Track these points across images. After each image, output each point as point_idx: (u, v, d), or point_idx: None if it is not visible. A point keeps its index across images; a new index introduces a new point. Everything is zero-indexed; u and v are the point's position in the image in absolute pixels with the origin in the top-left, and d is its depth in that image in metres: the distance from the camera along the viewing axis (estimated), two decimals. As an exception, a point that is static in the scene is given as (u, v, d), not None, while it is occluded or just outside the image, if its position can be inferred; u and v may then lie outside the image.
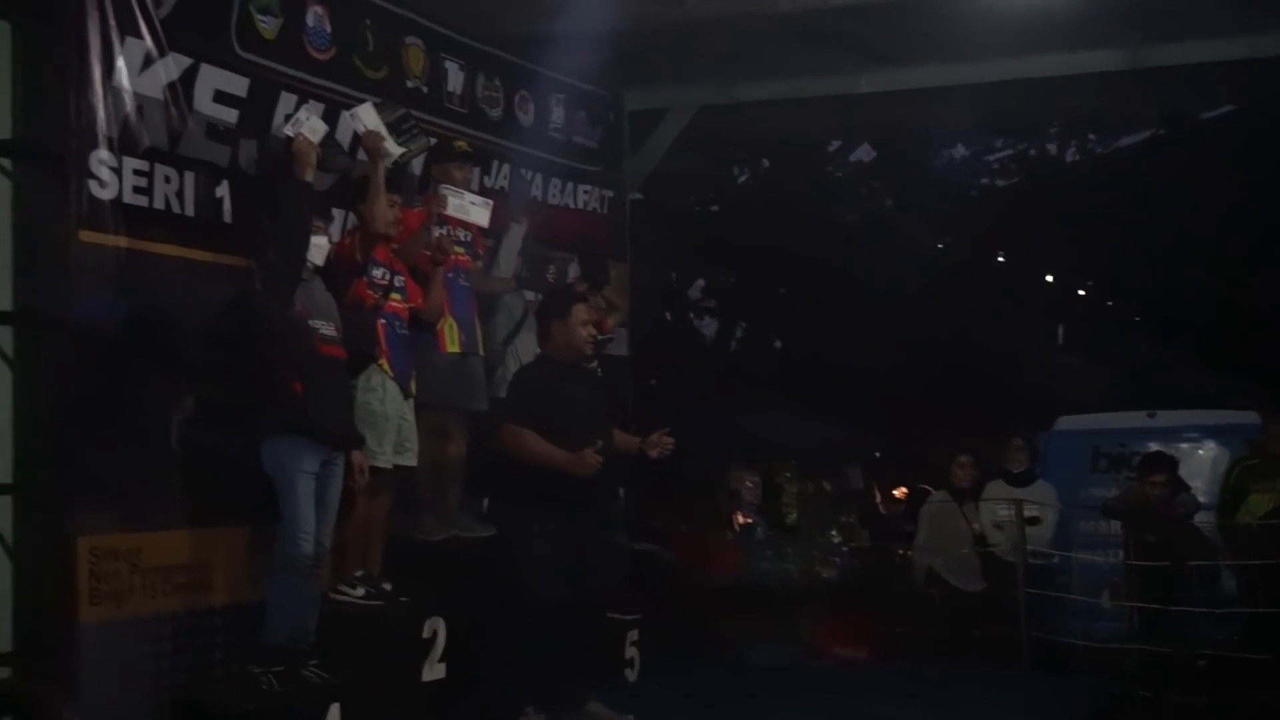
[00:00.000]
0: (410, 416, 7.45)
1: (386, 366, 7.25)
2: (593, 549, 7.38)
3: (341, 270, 7.06)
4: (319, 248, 6.81)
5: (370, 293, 7.23)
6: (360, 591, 7.22)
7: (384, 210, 7.10)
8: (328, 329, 6.75)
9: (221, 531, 6.98)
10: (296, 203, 6.71)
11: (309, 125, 6.88)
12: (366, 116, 7.24)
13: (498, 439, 7.23)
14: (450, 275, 7.82)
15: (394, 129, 7.32)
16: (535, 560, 7.10)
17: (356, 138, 7.46)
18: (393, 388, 7.28)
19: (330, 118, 7.45)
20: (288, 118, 7.10)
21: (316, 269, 6.83)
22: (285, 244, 6.68)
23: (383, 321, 7.30)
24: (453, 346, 7.88)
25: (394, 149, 7.29)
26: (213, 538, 6.94)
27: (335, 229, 7.57)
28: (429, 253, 7.59)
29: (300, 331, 6.62)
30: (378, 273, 7.30)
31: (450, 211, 7.70)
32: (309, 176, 6.74)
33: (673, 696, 8.30)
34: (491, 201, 8.02)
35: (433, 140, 7.78)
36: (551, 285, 8.54)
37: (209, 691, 6.70)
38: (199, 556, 6.85)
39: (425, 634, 7.24)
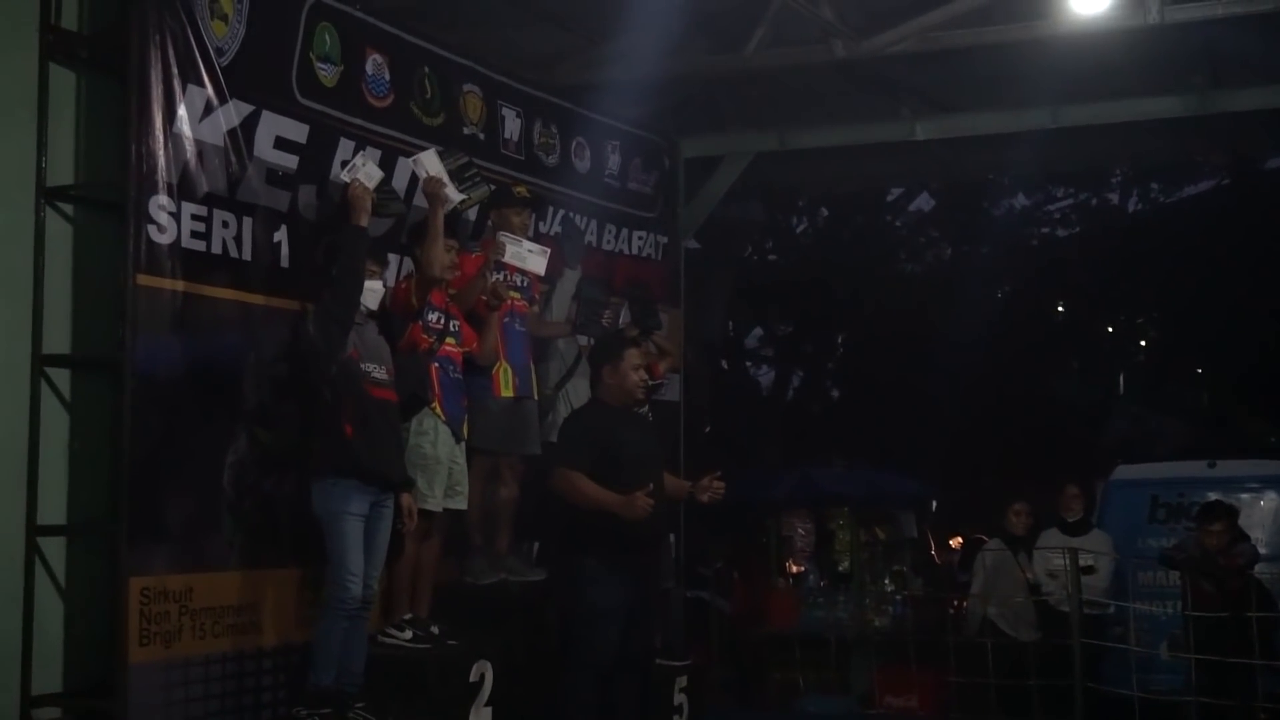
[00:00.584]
0: (462, 460, 7.49)
1: (439, 410, 7.29)
2: (644, 594, 7.38)
3: (397, 314, 7.12)
4: (373, 292, 6.88)
5: (425, 336, 7.28)
6: (408, 634, 7.23)
7: (441, 255, 7.15)
8: (379, 372, 6.80)
9: (271, 573, 7.01)
10: (351, 247, 6.79)
11: (365, 171, 6.96)
12: (429, 163, 7.32)
13: (550, 482, 7.26)
14: (506, 320, 7.88)
15: (455, 176, 7.42)
16: (587, 605, 7.11)
17: (415, 183, 7.54)
18: (444, 431, 7.32)
19: (388, 164, 7.52)
20: (344, 164, 7.18)
21: (370, 313, 6.89)
22: (340, 288, 6.76)
23: (436, 365, 7.35)
24: (507, 391, 7.91)
25: (454, 195, 7.39)
26: (262, 579, 6.96)
27: (390, 274, 7.63)
28: (485, 298, 7.65)
29: (352, 375, 6.67)
30: (433, 317, 7.36)
31: (508, 259, 7.78)
32: (364, 221, 6.83)
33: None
34: (549, 249, 8.08)
35: (492, 187, 7.83)
36: (605, 330, 8.56)
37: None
38: (249, 598, 6.87)
39: (473, 677, 7.22)
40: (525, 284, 8.12)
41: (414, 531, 7.08)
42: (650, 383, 7.60)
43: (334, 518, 6.60)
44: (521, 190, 8.26)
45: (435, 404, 7.29)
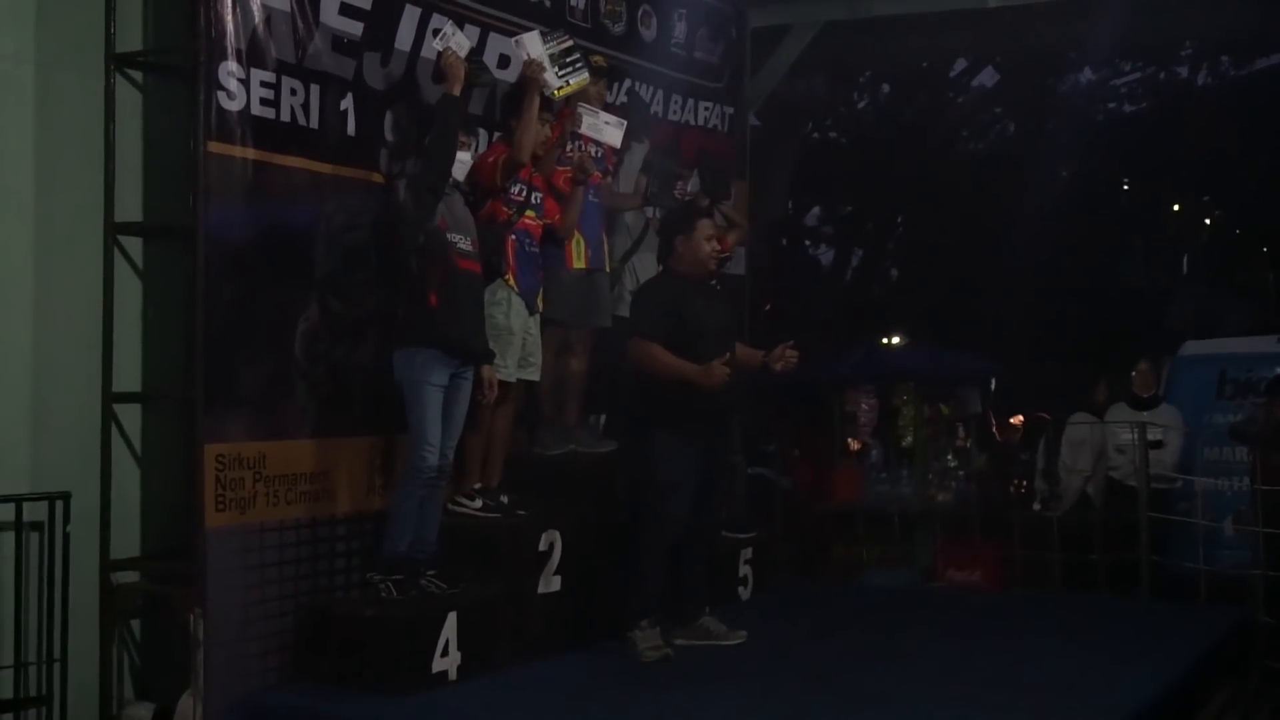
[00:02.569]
0: (535, 331, 7.49)
1: (513, 281, 7.27)
2: (714, 466, 7.41)
3: (482, 186, 7.12)
4: (462, 163, 6.85)
5: (505, 209, 7.27)
6: (478, 504, 7.28)
7: (531, 138, 7.17)
8: (465, 244, 6.79)
9: (344, 441, 7.05)
10: (446, 116, 6.74)
11: (455, 40, 6.90)
12: (531, 45, 7.32)
13: (626, 353, 7.25)
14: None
15: (556, 60, 7.42)
16: (659, 476, 7.14)
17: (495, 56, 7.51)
18: (518, 302, 7.30)
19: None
20: (436, 32, 7.11)
21: (456, 184, 6.88)
22: (433, 156, 6.72)
23: (513, 238, 7.32)
24: (579, 263, 7.91)
25: (554, 81, 7.39)
26: (335, 447, 7.00)
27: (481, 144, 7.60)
28: (570, 170, 7.63)
29: (439, 245, 6.66)
30: (515, 189, 7.34)
31: (584, 130, 7.78)
32: (456, 90, 6.79)
33: (787, 614, 8.31)
34: (625, 121, 8.05)
35: (588, 77, 7.77)
36: (677, 202, 8.51)
37: (332, 598, 6.84)
38: (322, 465, 6.92)
39: (542, 546, 7.28)
40: (600, 155, 8.09)
41: (488, 401, 7.10)
42: (721, 254, 7.54)
43: (415, 386, 6.61)
44: (599, 60, 8.18)
45: (509, 275, 7.27)
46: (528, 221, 7.44)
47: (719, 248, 7.46)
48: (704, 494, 7.32)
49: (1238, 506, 10.43)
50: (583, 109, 7.74)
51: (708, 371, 6.90)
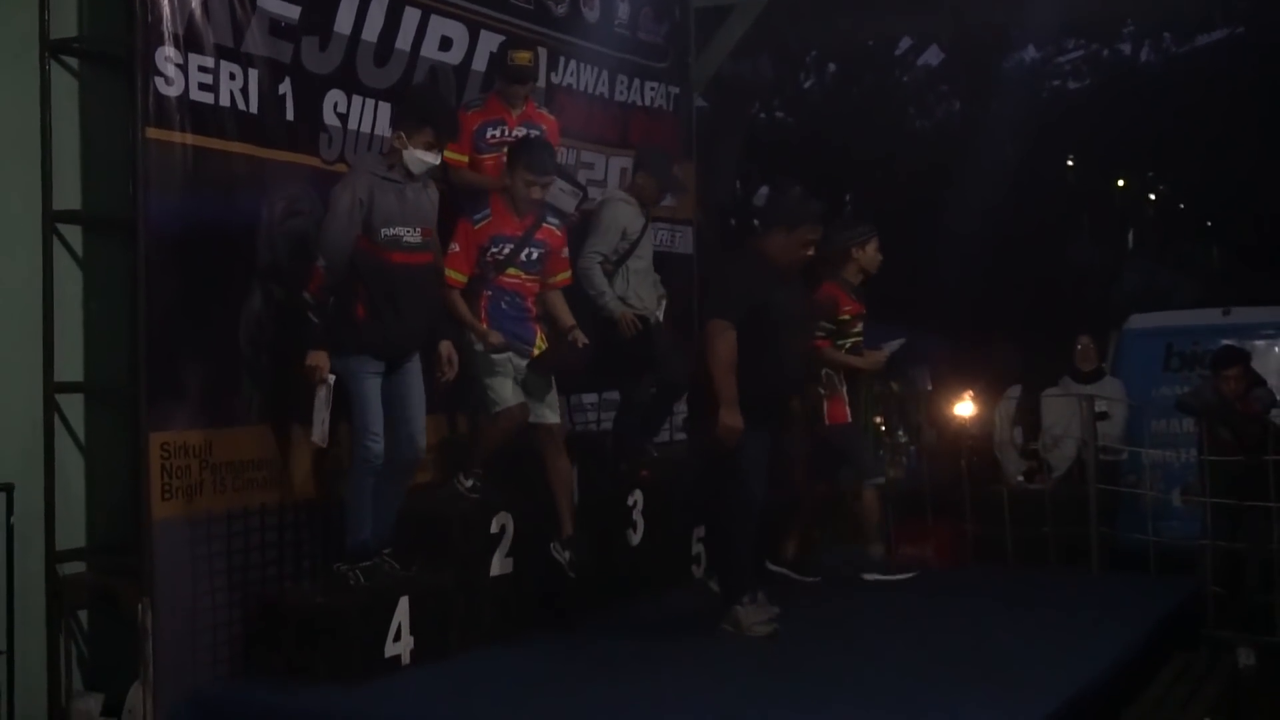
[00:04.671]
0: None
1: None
2: (781, 446, 7.56)
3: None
4: (421, 161, 6.61)
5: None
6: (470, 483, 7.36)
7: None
8: (412, 235, 6.64)
9: (290, 429, 7.00)
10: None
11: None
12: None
13: (706, 337, 7.15)
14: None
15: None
16: (738, 460, 7.12)
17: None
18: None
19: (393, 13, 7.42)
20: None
21: (409, 174, 6.64)
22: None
23: (487, 294, 7.27)
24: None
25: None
26: (281, 435, 6.95)
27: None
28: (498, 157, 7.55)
29: (366, 256, 6.52)
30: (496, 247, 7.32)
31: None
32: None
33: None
34: (580, 191, 8.03)
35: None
36: (678, 181, 8.73)
37: (283, 587, 6.80)
38: (269, 453, 6.87)
39: (494, 529, 7.26)
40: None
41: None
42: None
43: (350, 377, 6.55)
44: (522, 57, 7.84)
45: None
46: (507, 280, 7.28)
47: (809, 255, 7.44)
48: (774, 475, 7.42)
49: (1186, 478, 10.52)
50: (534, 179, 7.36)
51: (729, 428, 6.99)
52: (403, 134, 6.61)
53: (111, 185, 6.87)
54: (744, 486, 7.22)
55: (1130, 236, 26.12)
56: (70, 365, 6.96)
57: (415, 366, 6.78)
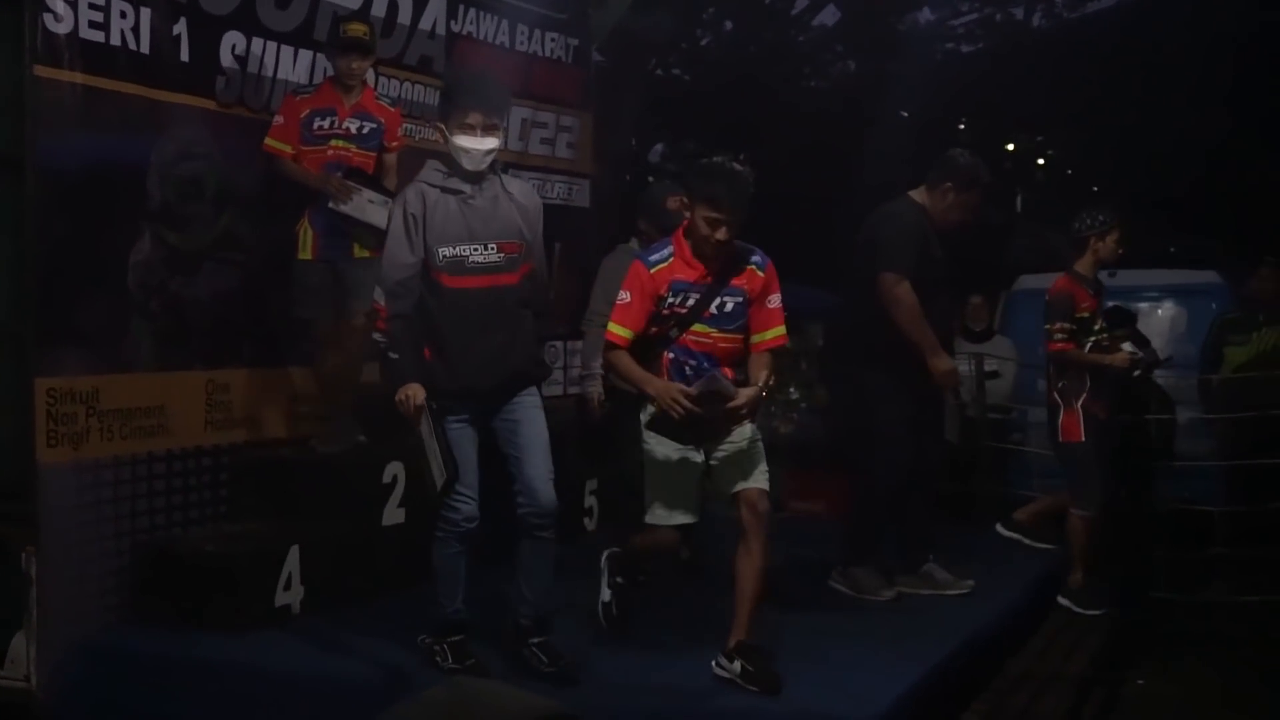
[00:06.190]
0: None
1: None
2: (931, 409, 7.33)
3: None
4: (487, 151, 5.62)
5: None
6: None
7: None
8: (481, 254, 5.54)
9: (181, 376, 6.93)
10: None
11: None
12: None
13: (882, 291, 6.92)
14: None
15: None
16: (880, 422, 7.07)
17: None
18: None
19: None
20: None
21: (475, 174, 5.61)
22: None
23: None
24: (305, 254, 7.19)
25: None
26: (172, 382, 6.88)
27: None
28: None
29: (425, 294, 5.56)
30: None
31: (347, 210, 7.02)
32: None
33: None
34: (390, 199, 6.87)
35: None
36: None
37: (172, 535, 6.72)
38: (158, 400, 6.78)
39: (385, 479, 7.22)
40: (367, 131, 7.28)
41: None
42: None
43: (431, 423, 5.50)
44: (356, 29, 7.17)
45: None
46: (693, 339, 5.73)
47: (969, 218, 7.22)
48: (926, 439, 7.21)
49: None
50: (343, 184, 7.02)
51: (946, 371, 6.88)
52: (442, 125, 5.61)
53: (1, 123, 6.70)
54: (889, 446, 7.04)
55: (1019, 199, 26.43)
56: (-45, 307, 6.80)
57: (524, 405, 5.71)
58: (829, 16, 23.51)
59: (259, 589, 6.45)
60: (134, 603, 6.51)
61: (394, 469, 7.24)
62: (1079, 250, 8.12)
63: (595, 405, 7.54)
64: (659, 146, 25.21)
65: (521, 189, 5.79)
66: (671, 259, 5.63)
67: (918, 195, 7.20)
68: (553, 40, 9.86)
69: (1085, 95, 21.05)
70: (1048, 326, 7.84)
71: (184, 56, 6.92)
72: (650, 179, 24.99)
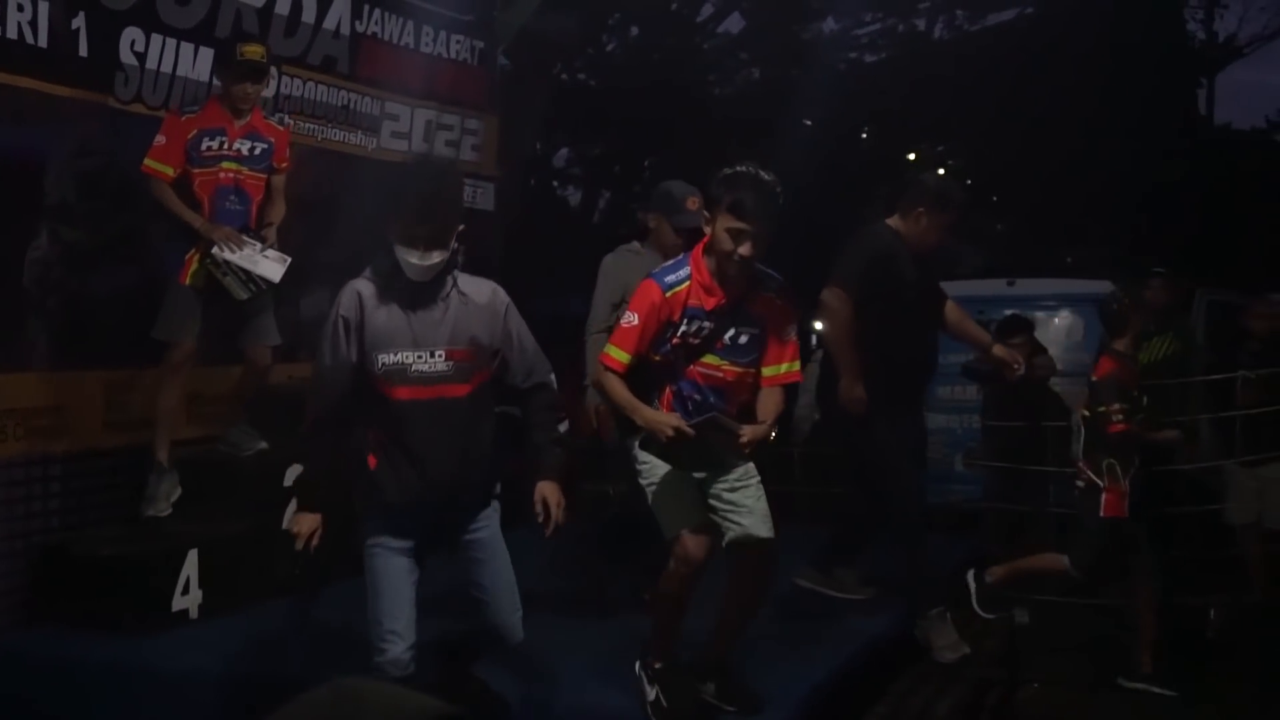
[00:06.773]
0: None
1: None
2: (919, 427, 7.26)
3: None
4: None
5: None
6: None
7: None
8: (426, 361, 4.87)
9: (78, 375, 6.83)
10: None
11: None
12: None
13: (823, 305, 6.75)
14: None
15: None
16: (881, 448, 6.80)
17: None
18: None
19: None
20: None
21: (428, 269, 4.84)
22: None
23: None
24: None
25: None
26: (69, 381, 6.78)
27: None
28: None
29: (371, 398, 4.95)
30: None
31: (240, 262, 6.63)
32: None
33: (535, 550, 8.27)
34: (288, 258, 6.76)
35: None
36: None
37: (68, 536, 6.62)
38: (54, 400, 6.69)
39: (287, 482, 7.14)
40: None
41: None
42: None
43: (365, 551, 4.99)
44: (253, 50, 6.78)
45: None
46: (702, 371, 5.19)
47: (944, 240, 7.04)
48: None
49: (968, 444, 10.83)
50: (232, 235, 6.64)
51: (853, 400, 6.59)
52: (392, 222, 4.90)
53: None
54: (896, 477, 6.79)
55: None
56: None
57: (482, 536, 5.11)
58: (734, 24, 23.66)
59: (156, 593, 6.36)
60: (27, 605, 6.41)
61: (295, 471, 7.17)
62: (1119, 327, 7.92)
63: (594, 417, 6.97)
64: (564, 150, 25.18)
65: (478, 289, 5.01)
66: (689, 281, 5.08)
67: (893, 222, 7.09)
68: (458, 42, 9.84)
69: (985, 105, 21.30)
70: (1103, 409, 7.69)
71: (82, 51, 6.83)
72: (555, 184, 25.08)
